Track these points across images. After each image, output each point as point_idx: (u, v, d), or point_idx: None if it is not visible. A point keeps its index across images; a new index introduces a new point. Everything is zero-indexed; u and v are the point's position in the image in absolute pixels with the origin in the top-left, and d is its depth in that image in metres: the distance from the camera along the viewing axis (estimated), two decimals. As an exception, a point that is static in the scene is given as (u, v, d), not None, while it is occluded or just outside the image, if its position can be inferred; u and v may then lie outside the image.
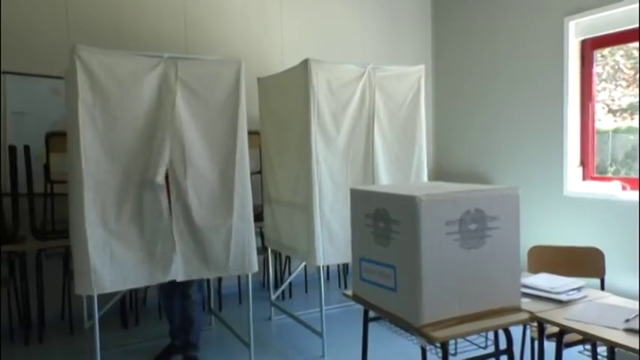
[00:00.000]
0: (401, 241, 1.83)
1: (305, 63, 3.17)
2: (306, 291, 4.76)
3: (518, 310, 1.92)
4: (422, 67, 3.60)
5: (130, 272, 2.76)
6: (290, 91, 3.38)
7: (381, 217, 1.92)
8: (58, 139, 3.38)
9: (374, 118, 3.38)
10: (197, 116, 2.87)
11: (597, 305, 1.97)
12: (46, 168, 3.64)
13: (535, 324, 2.06)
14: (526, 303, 2.00)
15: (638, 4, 3.71)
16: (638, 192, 3.81)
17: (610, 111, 4.22)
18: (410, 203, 1.75)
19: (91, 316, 3.12)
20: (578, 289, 2.14)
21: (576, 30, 4.23)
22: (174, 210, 2.83)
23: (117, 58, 2.72)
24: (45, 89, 4.01)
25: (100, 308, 2.78)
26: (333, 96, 3.24)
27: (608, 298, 2.07)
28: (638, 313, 1.82)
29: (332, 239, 3.25)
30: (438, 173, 5.68)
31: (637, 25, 3.77)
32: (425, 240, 1.75)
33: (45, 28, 4.01)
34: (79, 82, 2.57)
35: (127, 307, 3.94)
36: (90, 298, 2.80)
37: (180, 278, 2.87)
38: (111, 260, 2.71)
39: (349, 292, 2.21)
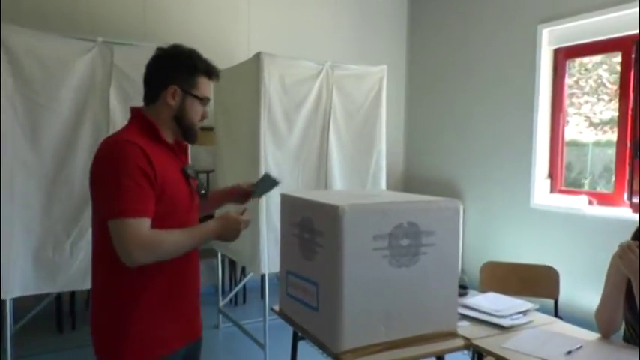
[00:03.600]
0: (324, 255, 1.64)
1: (257, 57, 2.96)
2: (262, 296, 4.54)
3: (453, 335, 1.74)
4: (384, 67, 3.41)
5: (49, 275, 2.54)
6: (241, 86, 3.17)
7: (306, 228, 1.73)
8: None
9: (330, 118, 3.19)
10: (132, 104, 2.65)
11: (540, 333, 1.80)
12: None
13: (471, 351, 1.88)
14: (464, 327, 1.82)
15: (608, 15, 3.59)
16: (604, 207, 3.69)
17: (591, 124, 4.14)
18: (333, 213, 1.56)
19: (17, 320, 2.90)
20: (524, 312, 1.97)
21: (549, 38, 4.10)
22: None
23: (44, 40, 2.49)
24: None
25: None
26: (286, 93, 3.04)
27: (554, 325, 1.90)
28: (580, 344, 1.65)
29: (279, 245, 3.04)
30: (409, 178, 5.52)
31: (611, 36, 3.65)
32: (348, 255, 1.56)
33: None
34: (-2, 62, 2.35)
35: (62, 310, 3.69)
36: (14, 301, 2.59)
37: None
38: (33, 262, 2.50)
39: (277, 307, 2.02)
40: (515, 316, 1.92)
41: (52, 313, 3.61)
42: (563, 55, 4.10)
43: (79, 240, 2.77)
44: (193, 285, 1.60)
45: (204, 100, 1.55)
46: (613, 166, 3.82)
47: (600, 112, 4.08)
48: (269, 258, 3.00)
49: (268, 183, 1.88)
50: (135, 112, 1.55)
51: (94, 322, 1.48)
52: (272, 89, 2.97)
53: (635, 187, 3.18)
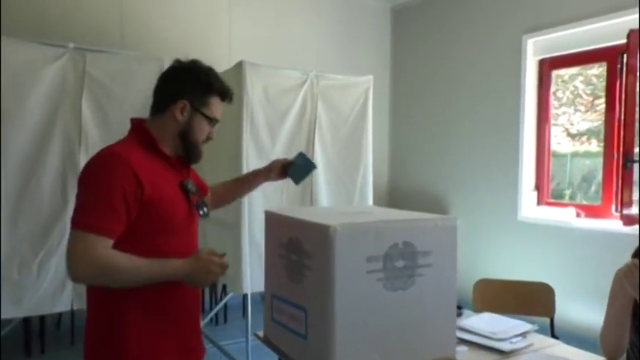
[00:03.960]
0: (313, 278, 1.51)
1: (239, 65, 2.84)
2: (244, 315, 4.37)
3: (451, 362, 1.62)
4: (370, 77, 3.32)
5: (14, 298, 2.35)
6: (222, 96, 3.04)
7: (294, 249, 1.60)
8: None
9: (315, 130, 3.08)
10: (107, 118, 2.50)
11: (542, 357, 1.70)
12: None
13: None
14: (462, 353, 1.71)
15: (593, 26, 3.57)
16: (592, 219, 3.64)
17: (569, 134, 4.16)
18: (323, 233, 1.43)
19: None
20: (524, 334, 1.86)
21: (534, 49, 4.07)
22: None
23: (11, 45, 2.33)
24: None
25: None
26: (269, 104, 2.92)
27: (556, 348, 1.80)
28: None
29: (262, 263, 2.90)
30: (394, 192, 5.43)
31: (596, 47, 3.63)
32: (340, 279, 1.43)
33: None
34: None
35: (31, 333, 3.46)
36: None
37: (76, 306, 2.47)
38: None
39: (260, 333, 1.87)
40: (514, 340, 1.81)
41: (19, 336, 3.39)
42: (548, 66, 4.07)
43: (48, 259, 2.60)
44: (192, 303, 1.52)
45: (212, 121, 1.51)
46: (593, 177, 3.85)
47: (578, 123, 4.10)
48: (252, 277, 2.86)
49: (305, 165, 1.79)
50: (135, 123, 1.50)
51: (87, 345, 1.41)
52: (255, 99, 2.85)
53: (627, 198, 3.13)
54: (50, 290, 2.56)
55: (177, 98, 1.45)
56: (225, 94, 1.52)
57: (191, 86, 1.46)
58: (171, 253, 1.39)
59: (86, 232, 1.25)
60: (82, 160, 2.51)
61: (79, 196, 1.33)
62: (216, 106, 1.51)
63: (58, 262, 2.59)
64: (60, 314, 3.73)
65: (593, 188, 3.91)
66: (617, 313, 1.63)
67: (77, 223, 1.28)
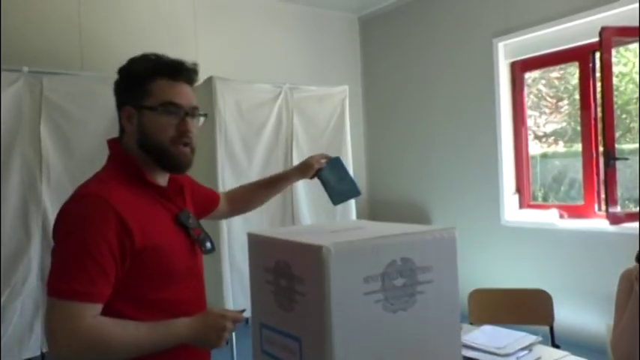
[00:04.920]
0: (306, 305, 1.37)
1: (209, 81, 2.71)
2: (227, 342, 4.18)
3: (459, 384, 1.50)
4: (345, 87, 3.24)
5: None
6: (193, 114, 2.90)
7: (283, 273, 1.46)
8: None
9: (292, 144, 2.97)
10: (69, 143, 2.33)
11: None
12: None
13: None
14: (469, 373, 1.59)
15: (563, 26, 3.58)
16: (575, 220, 3.61)
17: (536, 137, 4.21)
18: (316, 255, 1.30)
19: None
20: (529, 347, 1.76)
21: (505, 52, 4.06)
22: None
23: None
24: None
25: None
26: (243, 119, 2.80)
27: (565, 360, 1.71)
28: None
29: (245, 287, 2.75)
30: (375, 203, 5.33)
31: (567, 46, 3.64)
32: (336, 304, 1.30)
33: None
34: None
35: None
36: None
37: (46, 349, 2.26)
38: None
39: (250, 367, 1.72)
40: (520, 354, 1.71)
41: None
42: (520, 68, 4.07)
43: (12, 301, 2.38)
44: None
45: (168, 107, 1.18)
46: (562, 178, 3.94)
47: (544, 125, 4.15)
48: (234, 303, 2.70)
49: (350, 190, 1.56)
50: (112, 145, 1.24)
51: None
52: (227, 115, 2.73)
53: (611, 196, 3.10)
54: (16, 335, 2.34)
55: (120, 108, 1.22)
56: (172, 70, 1.20)
57: (125, 85, 1.21)
58: (173, 307, 1.19)
59: (67, 301, 1.02)
60: (45, 191, 2.33)
61: (54, 254, 1.09)
62: (163, 89, 1.19)
63: (24, 302, 2.39)
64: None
65: (563, 189, 3.98)
66: (629, 319, 1.55)
67: (55, 289, 1.04)
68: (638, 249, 1.59)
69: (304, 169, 1.61)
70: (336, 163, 1.61)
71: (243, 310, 1.28)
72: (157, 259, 1.16)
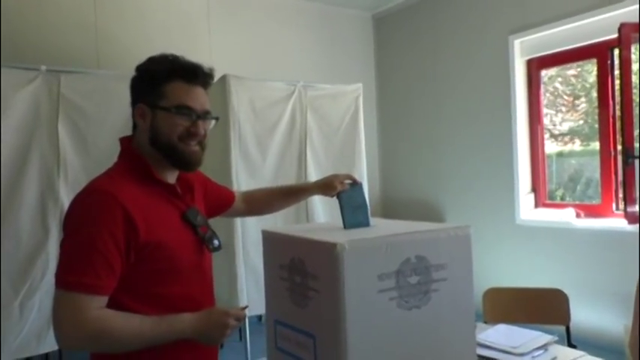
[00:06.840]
0: (321, 302, 1.37)
1: (223, 79, 2.73)
2: (240, 338, 4.20)
3: (474, 383, 1.49)
4: (359, 85, 3.23)
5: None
6: (208, 112, 2.92)
7: (297, 270, 1.46)
8: None
9: (306, 142, 2.97)
10: (86, 140, 2.36)
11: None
12: None
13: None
14: (484, 371, 1.58)
15: (580, 23, 3.53)
16: (593, 219, 3.56)
17: (552, 135, 4.16)
18: (330, 252, 1.30)
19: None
20: (545, 347, 1.74)
21: (521, 49, 4.02)
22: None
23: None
24: None
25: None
26: (257, 117, 2.81)
27: (582, 360, 1.68)
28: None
29: (259, 284, 2.76)
30: (387, 201, 5.31)
31: (584, 43, 3.58)
32: (350, 301, 1.30)
33: None
34: None
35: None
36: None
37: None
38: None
39: (264, 362, 1.73)
40: (536, 353, 1.70)
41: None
42: (536, 66, 4.02)
43: (31, 296, 2.42)
44: None
45: (182, 110, 1.21)
46: (578, 177, 3.89)
47: (560, 124, 4.09)
48: (249, 299, 2.71)
49: (359, 215, 1.55)
50: (123, 143, 1.28)
51: None
52: (242, 114, 2.74)
53: (629, 195, 3.04)
54: (35, 330, 2.38)
55: (135, 104, 1.25)
56: (188, 73, 1.23)
57: (141, 84, 1.24)
58: (179, 303, 1.22)
59: (74, 292, 1.06)
60: (62, 188, 2.36)
61: (62, 247, 1.13)
62: (177, 91, 1.22)
63: (41, 298, 2.42)
64: (46, 355, 3.53)
65: (580, 188, 3.93)
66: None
67: (63, 281, 1.08)
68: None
69: (326, 189, 1.59)
70: (357, 190, 1.63)
71: (246, 307, 1.30)
72: (160, 255, 1.18)
